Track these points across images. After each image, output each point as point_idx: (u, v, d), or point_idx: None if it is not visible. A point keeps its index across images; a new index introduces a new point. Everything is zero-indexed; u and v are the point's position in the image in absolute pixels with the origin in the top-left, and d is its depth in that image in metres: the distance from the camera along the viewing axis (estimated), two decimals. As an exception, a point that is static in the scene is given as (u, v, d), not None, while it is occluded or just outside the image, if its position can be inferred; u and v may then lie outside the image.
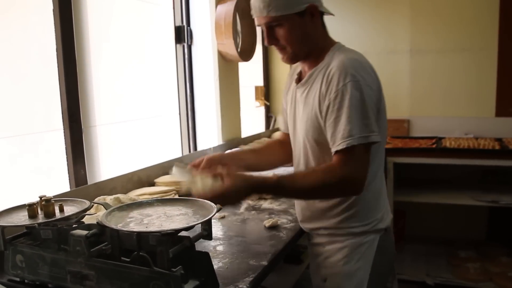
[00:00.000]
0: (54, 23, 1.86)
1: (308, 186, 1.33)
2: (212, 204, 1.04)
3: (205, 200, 1.08)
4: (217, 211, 1.00)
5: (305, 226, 1.62)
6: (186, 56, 2.81)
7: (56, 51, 1.87)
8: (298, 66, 1.62)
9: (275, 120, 4.24)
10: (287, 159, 1.75)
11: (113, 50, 2.25)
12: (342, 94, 1.32)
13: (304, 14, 1.40)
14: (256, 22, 1.48)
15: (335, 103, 1.34)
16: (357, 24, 3.96)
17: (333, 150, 1.34)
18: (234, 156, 1.65)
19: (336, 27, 3.68)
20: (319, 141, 1.44)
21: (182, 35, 2.75)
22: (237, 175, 1.28)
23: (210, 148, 2.74)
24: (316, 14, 1.43)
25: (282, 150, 1.76)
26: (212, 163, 1.45)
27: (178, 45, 2.77)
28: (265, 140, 3.41)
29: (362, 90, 1.32)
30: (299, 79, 1.58)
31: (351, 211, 1.47)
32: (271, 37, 1.45)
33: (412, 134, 4.04)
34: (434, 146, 3.45)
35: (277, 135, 1.91)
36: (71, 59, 1.92)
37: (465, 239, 3.81)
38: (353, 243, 1.48)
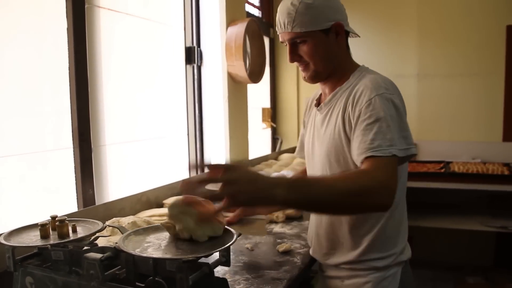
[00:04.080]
0: (68, 42, 1.86)
1: (340, 187, 1.08)
2: (232, 230, 1.01)
3: (224, 226, 1.05)
4: (238, 237, 0.98)
5: (320, 257, 1.51)
6: (196, 76, 2.81)
7: (69, 69, 1.87)
8: (317, 93, 1.59)
9: (281, 142, 4.23)
10: None
11: (123, 70, 2.25)
12: (376, 103, 1.24)
13: (329, 32, 1.38)
14: (280, 38, 1.45)
15: (367, 111, 1.25)
16: (365, 47, 3.98)
17: (364, 155, 1.18)
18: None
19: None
20: (341, 162, 1.36)
21: (192, 56, 2.76)
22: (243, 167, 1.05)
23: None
24: (341, 33, 1.40)
25: None
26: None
27: (188, 66, 2.78)
28: (272, 162, 3.39)
29: (395, 102, 1.26)
30: (318, 103, 1.53)
31: (373, 242, 1.38)
32: (294, 54, 1.42)
33: (419, 158, 4.02)
34: (442, 170, 3.43)
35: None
36: (84, 78, 1.91)
37: (473, 264, 3.76)
38: (376, 277, 1.39)
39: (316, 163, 1.49)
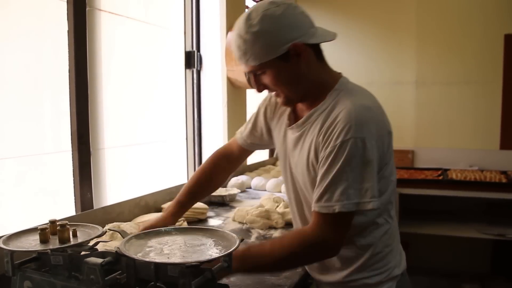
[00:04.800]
0: (68, 45, 1.85)
1: (277, 254, 1.19)
2: (234, 234, 1.01)
3: (226, 231, 1.05)
4: (241, 242, 0.97)
5: (314, 275, 1.46)
6: (195, 81, 2.81)
7: (69, 72, 1.86)
8: None
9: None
10: (232, 172, 1.72)
11: (123, 73, 2.24)
12: (340, 149, 1.16)
13: (288, 56, 1.21)
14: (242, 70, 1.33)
15: (330, 155, 1.18)
16: (364, 54, 3.99)
17: (313, 208, 1.20)
18: (166, 219, 1.51)
19: (342, 56, 3.70)
20: None
21: (192, 60, 2.76)
22: None
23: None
24: (303, 52, 1.23)
25: (228, 168, 1.68)
26: None
27: (187, 70, 2.78)
28: (270, 167, 3.38)
29: (366, 148, 1.15)
30: (294, 118, 1.40)
31: (363, 263, 1.32)
32: (258, 84, 1.30)
33: (416, 165, 4.03)
34: (440, 177, 3.43)
35: (226, 145, 1.73)
36: (83, 81, 1.91)
37: (470, 272, 3.76)
38: None
39: (291, 180, 1.43)
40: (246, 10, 1.28)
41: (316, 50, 1.29)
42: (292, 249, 1.19)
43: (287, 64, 1.23)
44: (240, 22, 1.23)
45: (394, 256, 1.38)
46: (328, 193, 1.16)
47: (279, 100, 1.34)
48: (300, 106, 1.37)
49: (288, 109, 1.42)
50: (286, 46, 1.20)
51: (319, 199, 1.18)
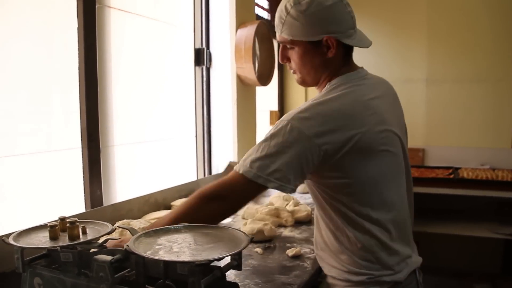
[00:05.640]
0: (78, 42, 1.85)
1: (178, 209, 1.25)
2: (243, 233, 1.00)
3: (235, 229, 1.04)
4: (250, 241, 0.96)
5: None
6: (205, 78, 2.80)
7: (78, 69, 1.86)
8: None
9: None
10: None
11: (133, 71, 2.24)
12: (274, 127, 1.24)
13: (320, 44, 1.29)
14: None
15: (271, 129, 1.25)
16: (374, 51, 3.94)
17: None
18: None
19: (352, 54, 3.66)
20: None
21: (202, 57, 2.75)
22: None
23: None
24: (334, 48, 1.29)
25: None
26: None
27: (197, 68, 2.77)
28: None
29: (292, 135, 1.19)
30: None
31: (348, 256, 1.32)
32: (283, 56, 1.38)
33: (427, 164, 4.00)
34: (451, 176, 3.40)
35: None
36: (93, 78, 1.91)
37: (480, 271, 3.73)
38: None
39: None
40: None
41: (347, 49, 1.35)
42: (190, 199, 1.24)
43: (316, 50, 1.29)
44: None
45: (381, 261, 1.30)
46: (246, 155, 1.23)
47: (296, 77, 1.41)
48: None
49: None
50: (321, 36, 1.26)
51: (241, 159, 1.25)
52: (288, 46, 1.34)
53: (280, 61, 1.40)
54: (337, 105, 1.25)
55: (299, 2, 1.25)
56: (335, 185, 1.28)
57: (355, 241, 1.29)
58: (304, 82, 1.41)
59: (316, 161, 1.21)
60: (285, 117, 1.23)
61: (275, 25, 1.34)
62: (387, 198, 1.32)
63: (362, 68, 1.41)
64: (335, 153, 1.22)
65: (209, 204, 1.23)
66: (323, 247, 1.41)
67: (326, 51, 1.29)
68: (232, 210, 1.29)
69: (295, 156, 1.19)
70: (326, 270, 1.40)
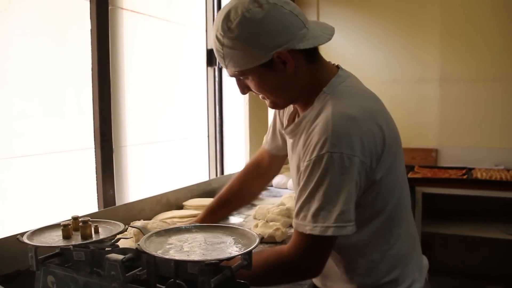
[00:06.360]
0: (91, 43, 1.88)
1: (255, 270, 1.02)
2: (254, 232, 1.00)
3: (246, 229, 1.05)
4: (260, 240, 0.97)
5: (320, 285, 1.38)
6: (217, 79, 2.81)
7: (92, 70, 1.89)
8: None
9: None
10: (268, 182, 1.65)
11: (145, 71, 2.26)
12: (315, 165, 1.05)
13: (272, 63, 1.09)
14: None
15: (305, 174, 1.08)
16: (387, 51, 3.94)
17: (293, 224, 1.12)
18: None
19: (365, 53, 3.66)
20: None
21: (214, 58, 2.76)
22: None
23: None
24: (290, 60, 1.09)
25: (259, 175, 1.61)
26: None
27: (209, 68, 2.78)
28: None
29: (343, 164, 1.03)
30: (293, 119, 1.31)
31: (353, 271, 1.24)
32: (242, 87, 1.20)
33: (440, 164, 3.96)
34: (464, 177, 3.37)
35: (257, 153, 1.66)
36: (106, 79, 1.93)
37: (494, 273, 3.68)
38: None
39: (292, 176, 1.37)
40: (228, 2, 1.12)
41: (308, 52, 1.14)
42: (267, 268, 1.12)
43: (272, 71, 1.11)
44: (218, 21, 1.10)
45: (390, 270, 1.23)
46: (304, 211, 1.08)
47: (266, 102, 1.23)
48: (297, 106, 1.27)
49: (291, 108, 1.32)
50: (270, 54, 1.07)
51: (296, 215, 1.10)
52: (240, 78, 1.17)
53: (242, 94, 1.23)
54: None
55: (228, 28, 1.06)
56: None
57: None
58: (277, 106, 1.25)
59: (363, 184, 1.10)
60: (316, 149, 1.06)
61: (218, 60, 1.15)
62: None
63: (341, 68, 1.23)
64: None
65: (293, 277, 1.19)
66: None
67: (284, 67, 1.10)
68: (318, 274, 1.16)
69: (353, 186, 1.06)
70: None
